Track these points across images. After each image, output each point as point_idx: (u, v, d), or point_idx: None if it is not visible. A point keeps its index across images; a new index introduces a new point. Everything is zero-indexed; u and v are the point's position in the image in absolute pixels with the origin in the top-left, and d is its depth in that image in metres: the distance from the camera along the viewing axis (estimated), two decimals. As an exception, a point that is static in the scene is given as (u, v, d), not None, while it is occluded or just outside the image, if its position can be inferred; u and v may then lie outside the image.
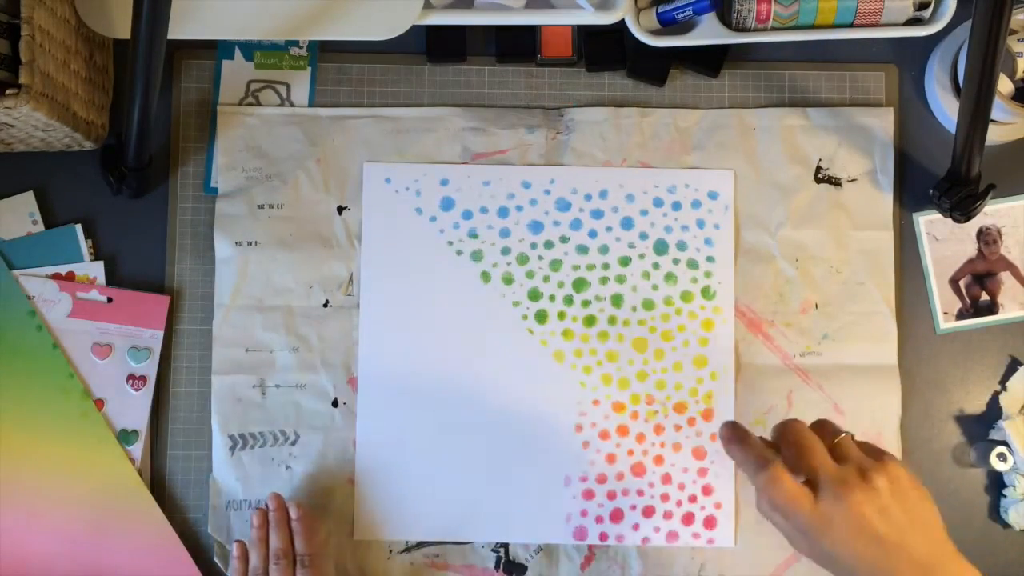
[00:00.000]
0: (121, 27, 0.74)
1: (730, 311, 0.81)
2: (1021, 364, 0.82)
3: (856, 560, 0.56)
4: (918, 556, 0.56)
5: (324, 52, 0.82)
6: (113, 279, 0.80)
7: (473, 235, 0.81)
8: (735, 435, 0.61)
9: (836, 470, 0.57)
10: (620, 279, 0.81)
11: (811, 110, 0.83)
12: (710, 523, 0.80)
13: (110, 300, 0.79)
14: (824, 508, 0.56)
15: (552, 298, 0.81)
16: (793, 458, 0.58)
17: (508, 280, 0.81)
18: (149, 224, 0.81)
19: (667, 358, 0.81)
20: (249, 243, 0.81)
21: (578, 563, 0.79)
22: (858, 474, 0.57)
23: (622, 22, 0.78)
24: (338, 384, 0.80)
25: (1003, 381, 0.82)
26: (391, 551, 0.79)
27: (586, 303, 0.81)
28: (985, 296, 0.83)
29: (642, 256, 0.81)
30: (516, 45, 0.82)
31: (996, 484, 0.81)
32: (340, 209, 0.81)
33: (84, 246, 0.80)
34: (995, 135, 0.81)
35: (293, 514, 0.75)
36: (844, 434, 0.60)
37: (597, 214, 0.81)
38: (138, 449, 0.78)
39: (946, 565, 0.57)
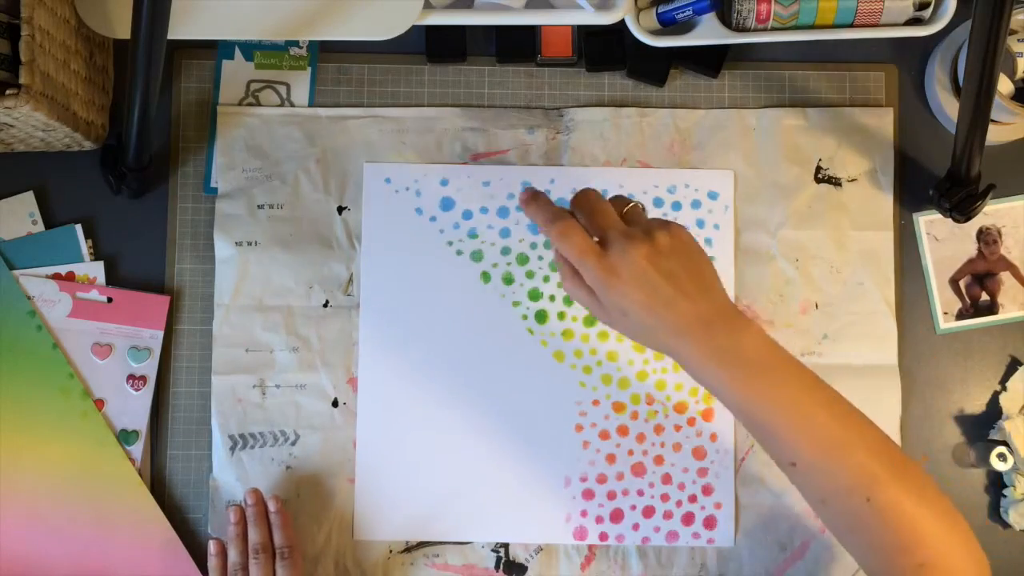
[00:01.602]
0: (121, 27, 0.74)
1: (730, 311, 0.81)
2: (1021, 364, 0.82)
3: (640, 309, 0.59)
4: (699, 309, 0.60)
5: (324, 52, 0.82)
6: (113, 279, 0.80)
7: (473, 235, 0.81)
8: (534, 196, 0.64)
9: (623, 228, 0.61)
10: (620, 279, 0.81)
11: (811, 110, 0.83)
12: (710, 523, 0.80)
13: (110, 300, 0.79)
14: (611, 260, 0.59)
15: (552, 298, 0.81)
16: (585, 220, 0.62)
17: (508, 280, 0.81)
18: (149, 224, 0.81)
19: (667, 358, 0.81)
20: (249, 243, 0.81)
21: (578, 563, 0.80)
22: (643, 231, 0.60)
23: (622, 22, 0.78)
24: (338, 384, 0.80)
25: (1003, 381, 0.82)
26: (391, 551, 0.79)
27: (586, 303, 0.81)
28: (985, 296, 0.83)
29: (642, 256, 0.81)
30: (516, 45, 0.82)
31: (996, 484, 0.81)
32: (340, 209, 0.81)
33: (84, 246, 0.80)
34: (995, 135, 0.81)
35: (271, 507, 0.76)
36: (635, 203, 0.65)
37: (597, 214, 0.81)
38: (138, 449, 0.78)
39: (727, 319, 0.60)
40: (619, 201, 0.64)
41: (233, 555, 0.75)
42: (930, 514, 0.59)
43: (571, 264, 0.61)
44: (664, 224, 0.61)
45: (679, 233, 0.61)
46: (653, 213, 0.82)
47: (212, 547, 0.76)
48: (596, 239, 0.61)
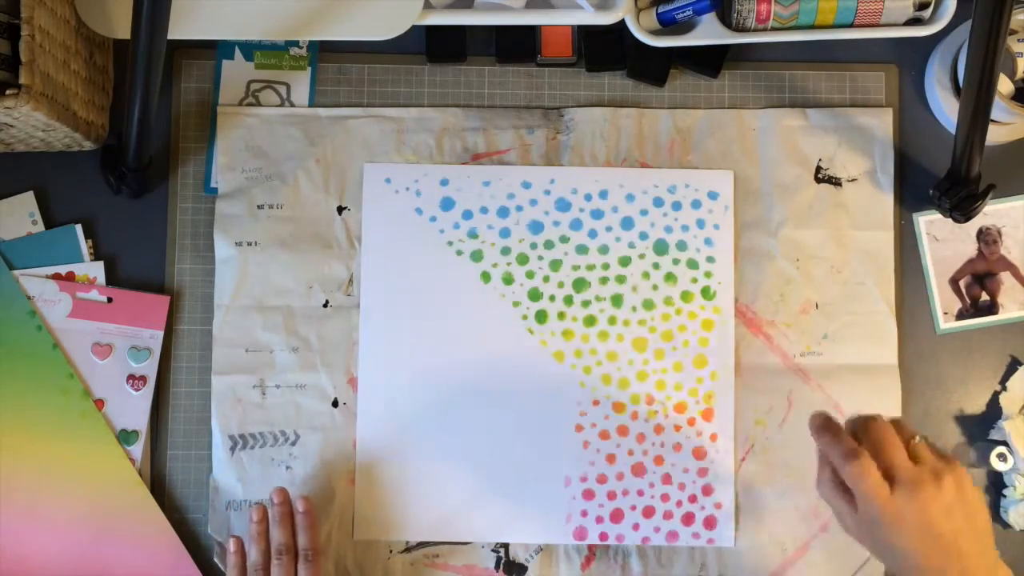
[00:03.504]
0: (121, 27, 0.74)
1: (730, 311, 0.81)
2: (1021, 364, 0.82)
3: (915, 555, 0.60)
4: (967, 560, 0.60)
5: (324, 52, 0.82)
6: (113, 279, 0.80)
7: (473, 235, 0.81)
8: (827, 424, 0.64)
9: (912, 469, 0.61)
10: (620, 279, 0.81)
11: (811, 110, 0.83)
12: (710, 523, 0.80)
13: (110, 300, 0.79)
14: (898, 503, 0.60)
15: (552, 298, 0.81)
16: (874, 453, 0.62)
17: (508, 280, 0.81)
18: (149, 224, 0.81)
19: (667, 358, 0.81)
20: (249, 243, 0.81)
21: (578, 563, 0.79)
22: (931, 475, 0.61)
23: (622, 22, 0.78)
24: (338, 384, 0.80)
25: (1003, 381, 0.82)
26: (391, 551, 0.79)
27: (586, 303, 0.81)
28: (985, 296, 0.83)
29: (642, 256, 0.81)
30: (516, 45, 0.82)
31: (996, 484, 0.81)
32: (340, 209, 0.81)
33: (84, 246, 0.80)
34: (995, 135, 0.81)
35: (300, 507, 0.75)
36: (919, 437, 0.64)
37: (597, 214, 0.81)
38: (138, 449, 0.78)
39: (989, 573, 0.61)
40: (902, 430, 0.64)
41: (254, 554, 0.74)
42: None
43: (839, 480, 0.62)
44: (951, 468, 0.61)
45: (964, 482, 0.61)
46: (653, 213, 0.82)
47: (231, 544, 0.75)
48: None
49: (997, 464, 0.79)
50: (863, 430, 0.64)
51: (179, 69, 0.82)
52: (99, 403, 0.78)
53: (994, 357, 0.83)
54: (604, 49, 0.82)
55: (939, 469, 0.61)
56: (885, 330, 0.82)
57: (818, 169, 0.83)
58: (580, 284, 0.81)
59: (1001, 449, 0.80)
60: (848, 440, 0.63)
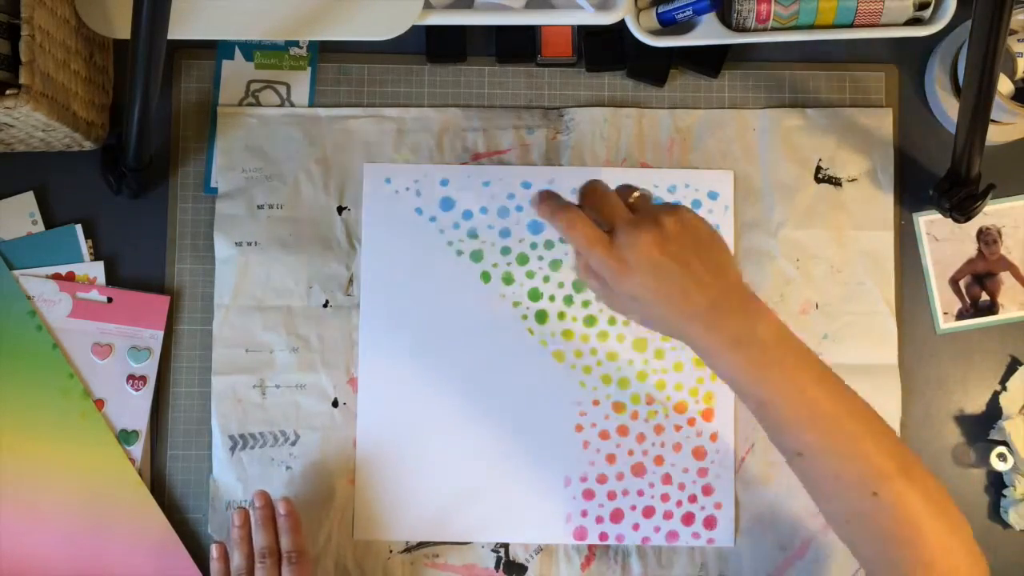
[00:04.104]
0: (121, 27, 0.74)
1: (730, 311, 0.81)
2: (1021, 364, 0.82)
3: (651, 296, 0.60)
4: (709, 289, 0.59)
5: (324, 52, 0.82)
6: (113, 279, 0.80)
7: (473, 235, 0.81)
8: (545, 196, 0.63)
9: (630, 217, 0.61)
10: (620, 279, 0.81)
11: (811, 110, 0.83)
12: (710, 523, 0.80)
13: (110, 300, 0.79)
14: (619, 249, 0.59)
15: (552, 298, 0.81)
16: (593, 212, 0.62)
17: (508, 280, 0.81)
18: (149, 224, 0.81)
19: (667, 358, 0.81)
20: (249, 243, 0.81)
21: (578, 563, 0.79)
22: (651, 219, 0.60)
23: (622, 22, 0.78)
24: (338, 384, 0.80)
25: (1003, 381, 0.82)
26: (391, 551, 0.79)
27: (586, 303, 0.81)
28: (985, 296, 0.83)
29: (642, 256, 0.81)
30: (516, 45, 0.82)
31: (996, 484, 0.81)
32: (340, 209, 0.81)
33: (84, 246, 0.80)
34: (995, 135, 0.81)
35: (281, 510, 0.75)
36: (641, 191, 0.64)
37: (597, 214, 0.81)
38: (138, 449, 0.78)
39: (742, 304, 0.60)
40: (625, 190, 0.64)
41: (237, 559, 0.74)
42: (935, 512, 0.59)
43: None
44: (672, 209, 0.61)
45: (688, 217, 0.61)
46: (653, 213, 0.82)
47: (214, 551, 0.74)
48: (606, 230, 0.61)
49: (997, 464, 0.79)
50: (582, 194, 0.63)
51: (179, 69, 0.82)
52: (99, 403, 0.78)
53: (994, 357, 0.83)
54: (604, 49, 0.82)
55: (658, 213, 0.60)
56: (885, 330, 0.82)
57: (818, 169, 0.83)
58: (580, 284, 0.81)
59: (1001, 449, 0.80)
60: (560, 200, 0.62)
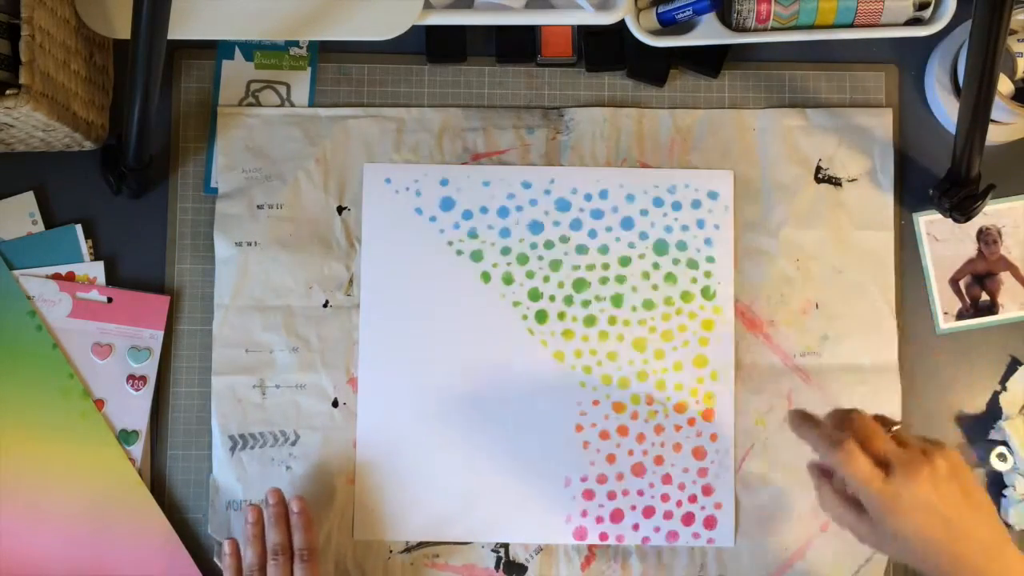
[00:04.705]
0: (121, 27, 0.74)
1: (730, 311, 0.81)
2: (1021, 364, 0.82)
3: (922, 539, 0.60)
4: (979, 536, 0.60)
5: (324, 52, 0.82)
6: (113, 279, 0.80)
7: (473, 235, 0.81)
8: (806, 418, 0.64)
9: (902, 452, 0.61)
10: (620, 279, 0.81)
11: (811, 110, 0.83)
12: (710, 523, 0.80)
13: (110, 300, 0.79)
14: (894, 486, 0.60)
15: (552, 298, 0.81)
16: (860, 442, 0.61)
17: (508, 280, 0.81)
18: (149, 224, 0.81)
19: (667, 358, 0.81)
20: (249, 243, 0.81)
21: (578, 563, 0.79)
22: (922, 455, 0.61)
23: (622, 22, 0.78)
24: (338, 384, 0.80)
25: (1003, 381, 0.82)
26: (391, 551, 0.79)
27: (586, 303, 0.81)
28: (985, 296, 0.83)
29: (642, 256, 0.81)
30: (516, 45, 0.82)
31: (996, 484, 0.81)
32: (340, 209, 0.81)
33: (84, 246, 0.80)
34: (995, 135, 0.81)
35: (295, 507, 0.75)
36: (899, 424, 0.65)
37: (597, 214, 0.81)
38: (138, 449, 0.78)
39: (1004, 547, 0.61)
40: (883, 422, 0.65)
41: (249, 556, 0.74)
42: None
43: (831, 483, 0.63)
44: (939, 448, 0.62)
45: (954, 457, 0.62)
46: (653, 213, 0.82)
47: (226, 546, 0.75)
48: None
49: (997, 464, 0.79)
50: (844, 423, 0.64)
51: (179, 69, 0.82)
52: (99, 403, 0.78)
53: (994, 357, 0.83)
54: (604, 49, 0.82)
55: (929, 449, 0.61)
56: (885, 330, 0.82)
57: (818, 169, 0.83)
58: (580, 284, 0.81)
59: (1001, 449, 0.80)
60: (831, 430, 0.63)
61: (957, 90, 0.81)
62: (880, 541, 0.62)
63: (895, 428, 0.64)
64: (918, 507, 0.59)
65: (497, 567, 0.79)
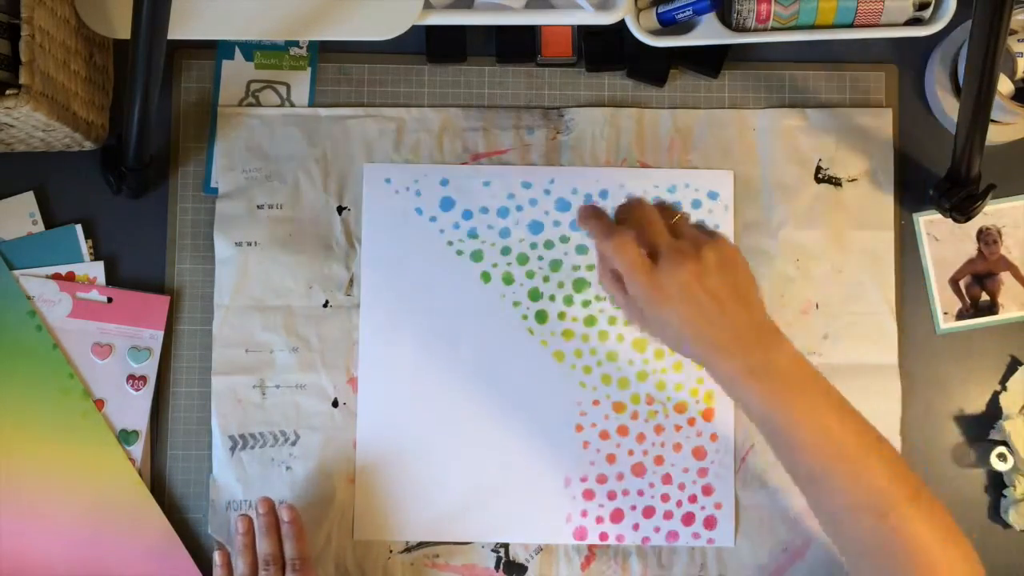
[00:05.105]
0: (121, 27, 0.74)
1: (730, 311, 0.81)
2: (1021, 364, 0.82)
3: (681, 323, 0.61)
4: (740, 327, 0.61)
5: (324, 52, 0.82)
6: (113, 279, 0.80)
7: (473, 235, 0.81)
8: (591, 212, 0.65)
9: (673, 243, 0.62)
10: (620, 279, 0.81)
11: (811, 110, 0.83)
12: (710, 523, 0.80)
13: (110, 300, 0.79)
14: (660, 276, 0.61)
15: (552, 298, 0.81)
16: (637, 233, 0.63)
17: (508, 280, 0.81)
18: (149, 224, 0.81)
19: (667, 358, 0.81)
20: (249, 243, 0.81)
21: (578, 563, 0.79)
22: (691, 246, 0.62)
23: (622, 22, 0.78)
24: (338, 384, 0.80)
25: (1003, 381, 0.82)
26: (391, 551, 0.79)
27: (586, 303, 0.81)
28: (985, 296, 0.83)
29: (642, 256, 0.81)
30: (516, 45, 0.82)
31: (996, 484, 0.81)
32: (340, 209, 0.81)
33: (84, 246, 0.80)
34: (995, 135, 0.81)
35: (285, 516, 0.75)
36: (681, 213, 0.66)
37: (597, 214, 0.81)
38: (138, 449, 0.78)
39: (766, 339, 0.62)
40: (666, 211, 0.65)
41: (240, 566, 0.74)
42: (942, 538, 0.61)
43: (612, 268, 0.63)
44: (712, 239, 0.62)
45: (725, 249, 0.62)
46: (653, 213, 0.82)
47: (217, 557, 0.75)
48: (647, 251, 0.62)
49: (997, 464, 0.79)
50: (627, 213, 0.65)
51: (179, 69, 0.82)
52: (99, 403, 0.78)
53: (994, 357, 0.83)
54: (604, 49, 0.82)
55: (700, 241, 0.62)
56: (885, 330, 0.82)
57: (818, 169, 0.83)
58: (580, 284, 0.81)
59: (1001, 449, 0.80)
60: (609, 221, 0.64)
61: (957, 90, 0.81)
62: (647, 326, 0.64)
63: (676, 218, 0.65)
64: (680, 296, 0.60)
65: (497, 567, 0.79)
